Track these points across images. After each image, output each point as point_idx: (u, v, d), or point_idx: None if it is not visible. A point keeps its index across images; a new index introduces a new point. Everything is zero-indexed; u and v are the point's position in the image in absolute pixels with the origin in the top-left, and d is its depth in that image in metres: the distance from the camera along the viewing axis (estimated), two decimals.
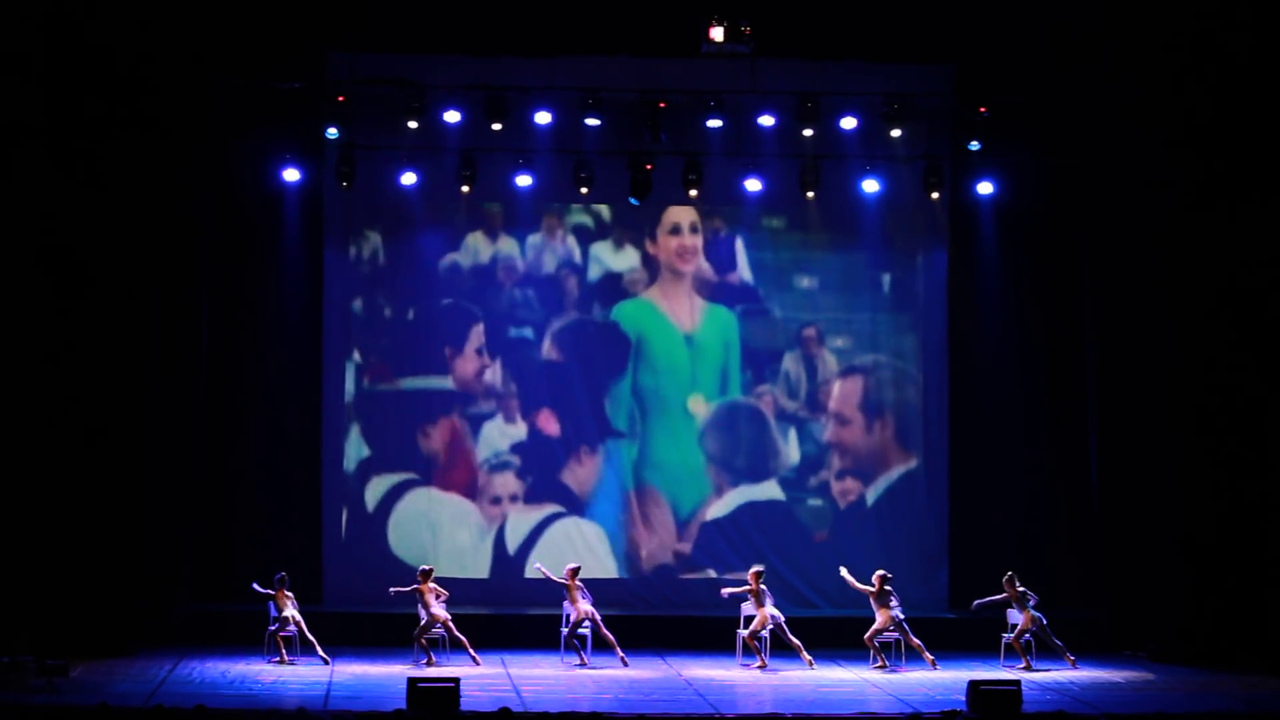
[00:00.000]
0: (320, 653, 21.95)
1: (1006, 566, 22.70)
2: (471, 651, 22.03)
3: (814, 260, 25.68)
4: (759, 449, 25.54)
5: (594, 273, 25.57)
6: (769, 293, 25.64)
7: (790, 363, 25.63)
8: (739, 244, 25.63)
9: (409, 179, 24.62)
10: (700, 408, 25.55)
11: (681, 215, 25.57)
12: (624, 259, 25.59)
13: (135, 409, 22.75)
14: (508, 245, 25.46)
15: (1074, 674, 22.03)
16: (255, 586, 22.20)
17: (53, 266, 22.40)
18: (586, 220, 25.57)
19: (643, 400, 25.49)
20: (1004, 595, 22.50)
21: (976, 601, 22.65)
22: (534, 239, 25.49)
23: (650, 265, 25.59)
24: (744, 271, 25.62)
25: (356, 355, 25.13)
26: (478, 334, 25.31)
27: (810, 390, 25.58)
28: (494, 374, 25.31)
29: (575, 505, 25.34)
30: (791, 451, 25.56)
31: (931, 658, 22.10)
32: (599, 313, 25.51)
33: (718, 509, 25.41)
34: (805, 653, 22.13)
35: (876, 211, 25.44)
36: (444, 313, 25.32)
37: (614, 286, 25.56)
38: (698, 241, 25.63)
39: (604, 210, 25.50)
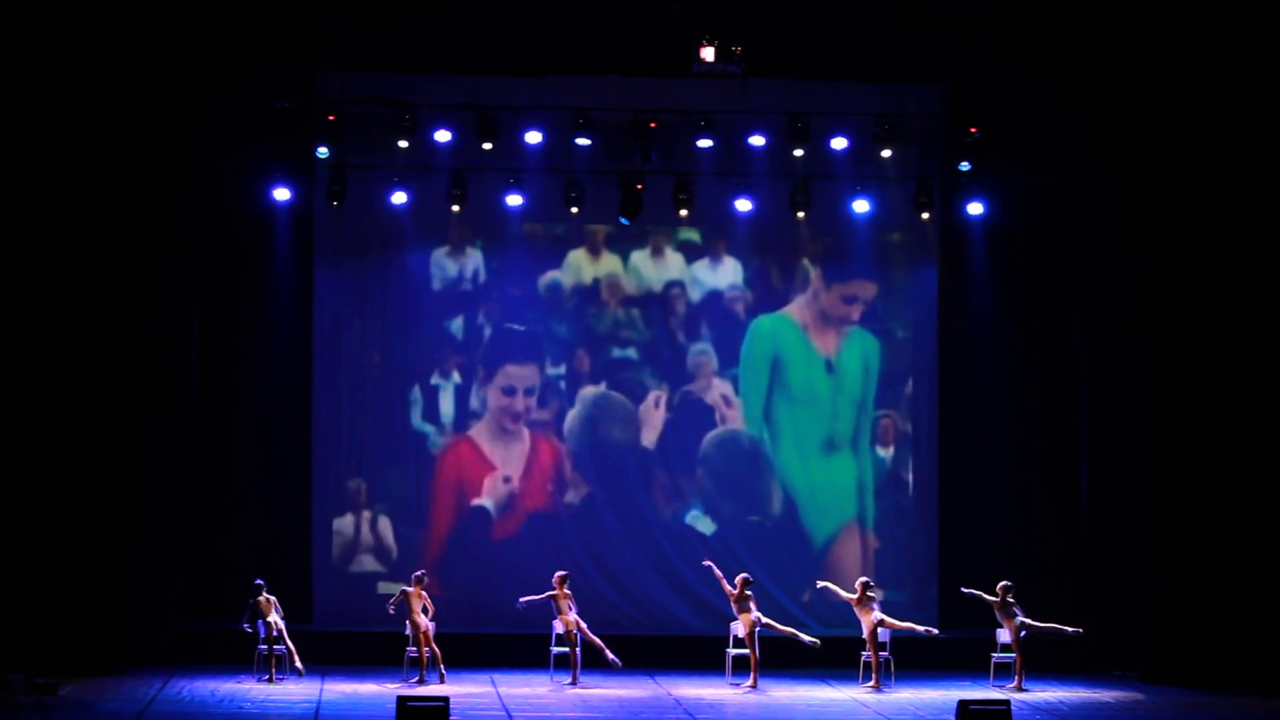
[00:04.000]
0: (297, 664, 21.92)
1: (997, 586, 22.66)
2: (441, 668, 22.00)
3: None
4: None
5: (695, 294, 25.59)
6: None
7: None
8: None
9: (399, 198, 24.64)
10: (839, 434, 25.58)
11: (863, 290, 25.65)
12: (725, 275, 25.61)
13: (125, 428, 22.74)
14: (611, 263, 25.51)
15: (1064, 694, 22.04)
16: (245, 627, 22.11)
17: (42, 286, 22.37)
18: (693, 237, 25.59)
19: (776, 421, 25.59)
20: (994, 600, 22.45)
21: (966, 590, 22.64)
22: (638, 256, 25.53)
23: (788, 280, 25.60)
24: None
25: (456, 375, 25.28)
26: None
27: None
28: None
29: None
30: None
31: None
32: (706, 332, 25.53)
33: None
34: (802, 635, 22.33)
35: (867, 231, 25.47)
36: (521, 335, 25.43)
37: (717, 304, 25.60)
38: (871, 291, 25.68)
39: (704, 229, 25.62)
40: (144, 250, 22.96)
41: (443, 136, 24.40)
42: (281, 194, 24.46)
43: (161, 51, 22.91)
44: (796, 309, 25.56)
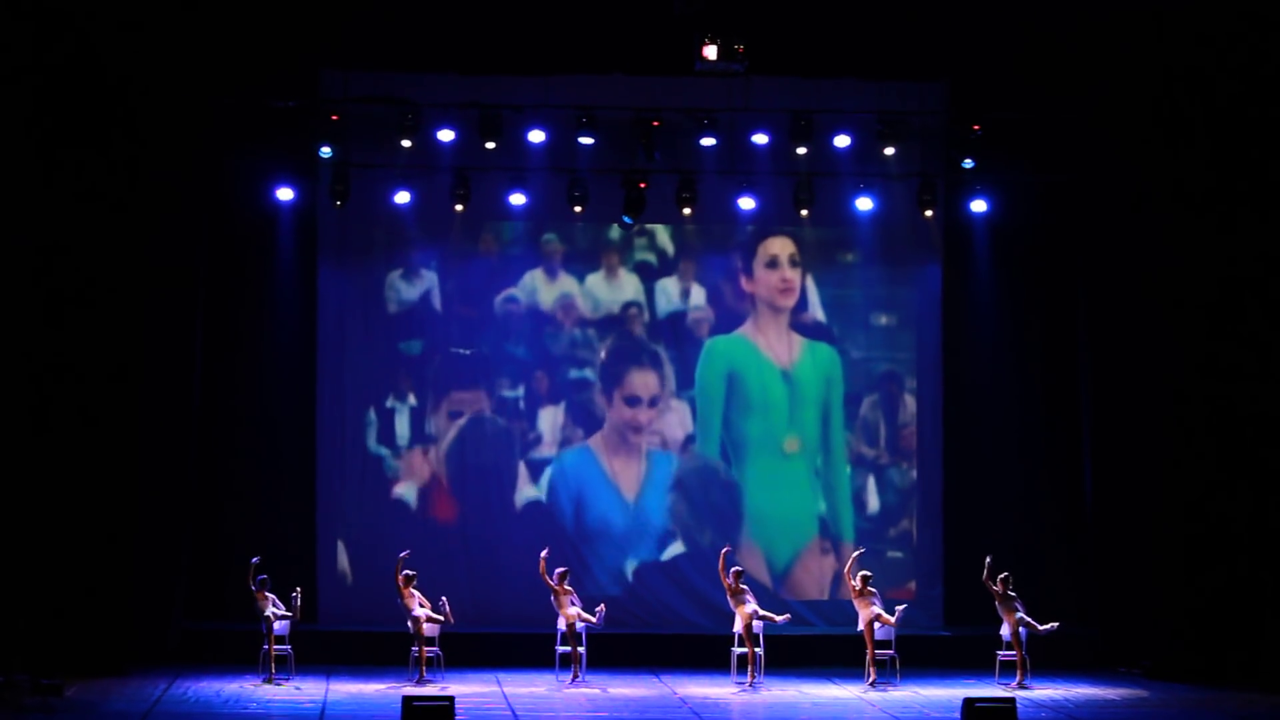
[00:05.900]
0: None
1: (998, 578, 22.65)
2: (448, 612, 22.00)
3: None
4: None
5: (660, 309, 25.48)
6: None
7: (868, 407, 25.66)
8: (809, 279, 25.68)
9: (403, 197, 24.64)
10: (796, 448, 25.47)
11: (780, 248, 25.52)
12: (690, 295, 25.51)
13: (130, 428, 22.75)
14: (567, 283, 25.43)
15: (1069, 691, 22.04)
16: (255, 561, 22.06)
17: (46, 285, 22.37)
18: (649, 257, 25.53)
19: (737, 442, 25.49)
20: (996, 590, 22.37)
21: (990, 560, 22.51)
22: (594, 276, 25.47)
23: (741, 300, 25.49)
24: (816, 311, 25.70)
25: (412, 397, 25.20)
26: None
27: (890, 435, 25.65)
28: (556, 416, 25.36)
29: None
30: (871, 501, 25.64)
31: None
32: (669, 350, 25.43)
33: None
34: (778, 617, 22.14)
35: (870, 229, 25.46)
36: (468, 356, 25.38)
37: (679, 324, 25.51)
38: (797, 276, 25.55)
39: (668, 247, 25.54)
40: (148, 249, 22.97)
41: (446, 135, 24.39)
42: (285, 193, 24.45)
43: (165, 51, 22.91)
44: (754, 326, 25.44)
